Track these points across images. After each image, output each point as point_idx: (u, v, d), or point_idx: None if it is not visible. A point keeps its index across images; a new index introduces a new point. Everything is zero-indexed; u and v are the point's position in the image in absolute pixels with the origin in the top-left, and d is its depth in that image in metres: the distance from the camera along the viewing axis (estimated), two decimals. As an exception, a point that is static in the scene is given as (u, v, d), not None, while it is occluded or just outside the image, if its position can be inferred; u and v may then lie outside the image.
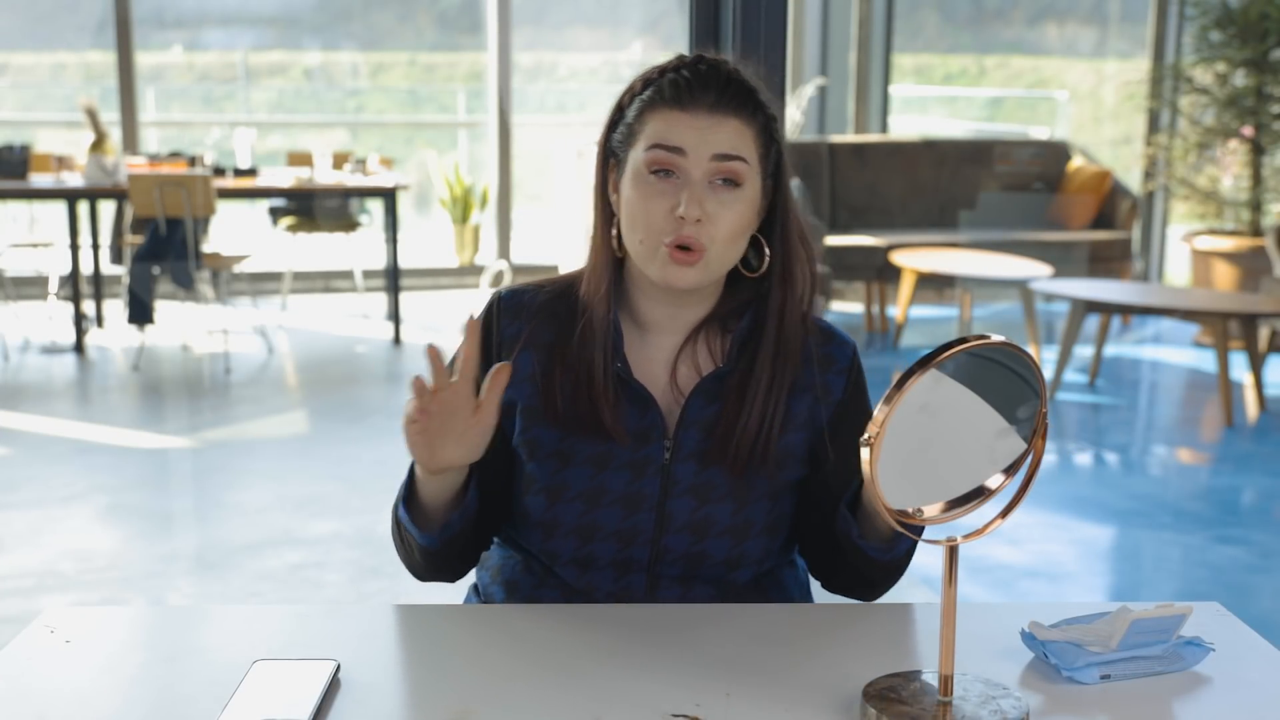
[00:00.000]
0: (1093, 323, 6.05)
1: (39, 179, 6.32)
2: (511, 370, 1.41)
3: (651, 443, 1.45)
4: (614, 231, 1.45)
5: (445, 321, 7.14)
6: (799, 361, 1.47)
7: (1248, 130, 7.00)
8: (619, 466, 1.44)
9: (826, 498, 1.47)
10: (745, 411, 1.44)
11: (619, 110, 1.45)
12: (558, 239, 8.14)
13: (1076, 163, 7.61)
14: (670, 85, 1.41)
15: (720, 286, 1.48)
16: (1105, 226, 7.33)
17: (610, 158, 1.46)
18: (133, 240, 6.15)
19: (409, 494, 1.42)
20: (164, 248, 5.92)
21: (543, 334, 1.47)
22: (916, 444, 1.09)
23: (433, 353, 1.30)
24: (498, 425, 1.40)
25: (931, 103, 10.87)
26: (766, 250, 1.45)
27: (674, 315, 1.47)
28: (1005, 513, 1.18)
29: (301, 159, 7.05)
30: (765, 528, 1.47)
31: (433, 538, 1.41)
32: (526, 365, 1.47)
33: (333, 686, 1.19)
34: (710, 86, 1.40)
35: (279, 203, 7.13)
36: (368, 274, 7.56)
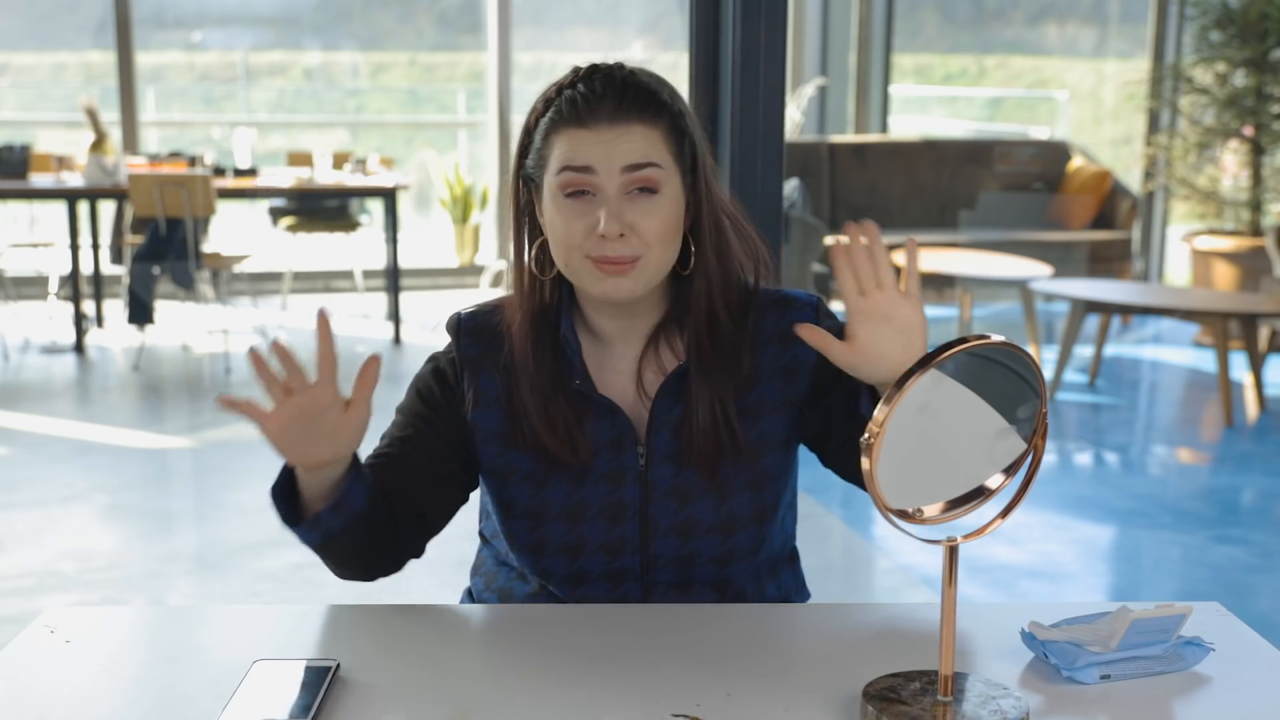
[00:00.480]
0: (1093, 323, 6.05)
1: (39, 179, 6.32)
2: (478, 394, 1.44)
3: (625, 451, 1.44)
4: (534, 253, 1.44)
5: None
6: (754, 345, 1.45)
7: (1248, 130, 7.00)
8: (596, 479, 1.43)
9: (844, 431, 1.44)
10: (695, 408, 1.43)
11: (527, 134, 1.43)
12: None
13: (1076, 163, 7.61)
14: (568, 103, 1.38)
15: (668, 288, 1.46)
16: (1105, 226, 7.33)
17: (528, 183, 1.44)
18: (133, 240, 6.15)
19: (288, 487, 1.38)
20: (164, 248, 5.92)
21: (500, 355, 1.46)
22: (916, 444, 1.09)
23: (255, 357, 1.26)
24: (456, 447, 1.43)
25: (931, 103, 10.87)
26: (692, 247, 1.43)
27: (629, 325, 1.46)
28: (1005, 513, 1.18)
29: (301, 159, 7.05)
30: (752, 517, 1.46)
31: (312, 535, 1.36)
32: (491, 388, 1.45)
33: (333, 686, 1.19)
34: (606, 97, 1.37)
35: (279, 203, 7.13)
36: (368, 274, 7.57)
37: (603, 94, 1.38)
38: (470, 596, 1.56)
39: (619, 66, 1.41)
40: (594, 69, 1.41)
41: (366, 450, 1.41)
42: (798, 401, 1.47)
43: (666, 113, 1.40)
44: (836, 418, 1.45)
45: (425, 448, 1.46)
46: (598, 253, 1.36)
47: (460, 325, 1.49)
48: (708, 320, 1.44)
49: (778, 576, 1.53)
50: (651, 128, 1.38)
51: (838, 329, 1.40)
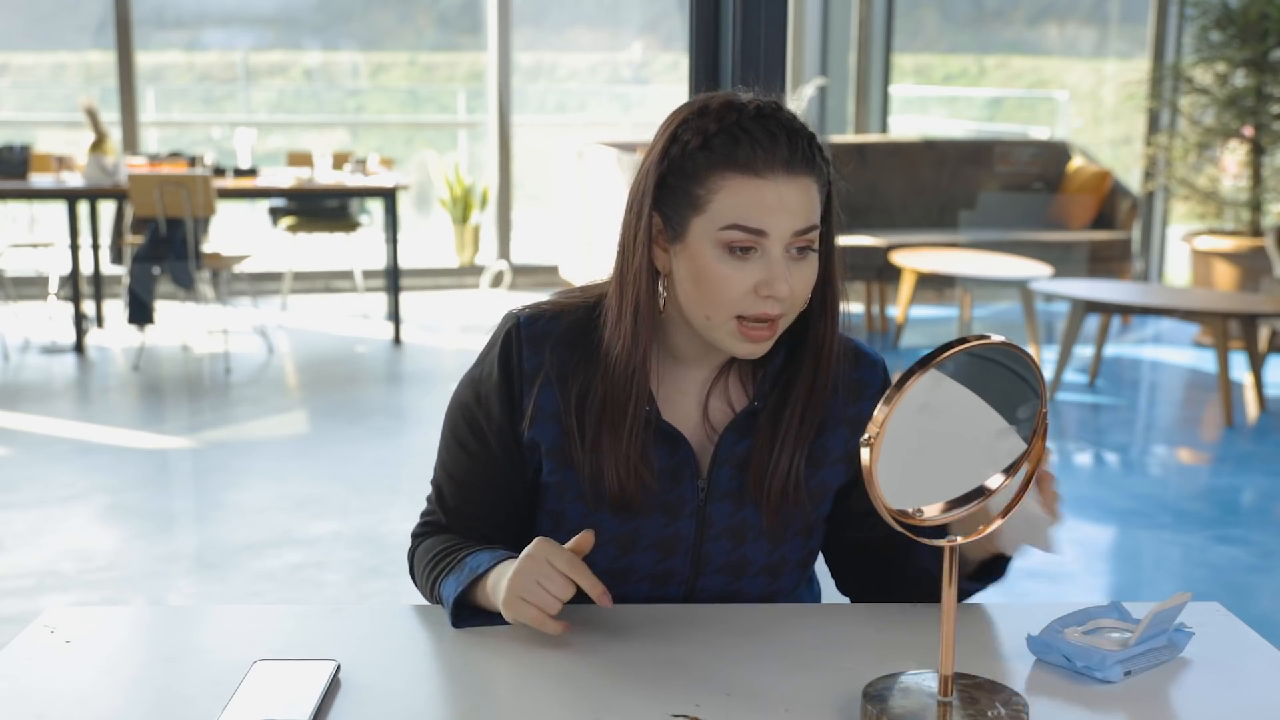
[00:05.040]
0: (1093, 323, 6.05)
1: (39, 179, 6.32)
2: (536, 409, 1.38)
3: (683, 483, 1.40)
4: (646, 286, 1.35)
5: (445, 322, 7.14)
6: (830, 394, 1.41)
7: (1248, 130, 7.00)
8: (653, 510, 1.39)
9: (868, 516, 1.41)
10: (778, 449, 1.38)
11: (664, 160, 1.32)
12: (558, 239, 8.13)
13: (1076, 163, 7.61)
14: (739, 146, 1.28)
15: None
16: (1105, 226, 7.33)
17: (657, 213, 1.33)
18: (133, 240, 6.15)
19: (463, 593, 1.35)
20: (164, 248, 5.92)
21: (564, 367, 1.39)
22: (916, 444, 1.09)
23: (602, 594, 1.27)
24: (520, 460, 1.40)
25: (931, 103, 10.87)
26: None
27: (709, 350, 1.39)
28: (1005, 512, 1.18)
29: (301, 159, 7.05)
30: (800, 562, 1.46)
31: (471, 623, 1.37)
32: (550, 403, 1.39)
33: (333, 686, 1.19)
34: (779, 143, 1.28)
35: (279, 203, 7.13)
36: (368, 274, 7.56)
37: (775, 138, 1.28)
38: None
39: (779, 106, 1.33)
40: (759, 106, 1.31)
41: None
42: (855, 456, 1.43)
43: (824, 163, 1.32)
44: (854, 515, 1.46)
45: (499, 487, 1.44)
46: (753, 311, 1.30)
47: (520, 333, 1.40)
48: (817, 358, 1.39)
49: (799, 601, 1.53)
50: (815, 182, 1.31)
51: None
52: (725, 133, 1.29)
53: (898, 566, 1.46)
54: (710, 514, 1.40)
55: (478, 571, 1.33)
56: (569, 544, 1.29)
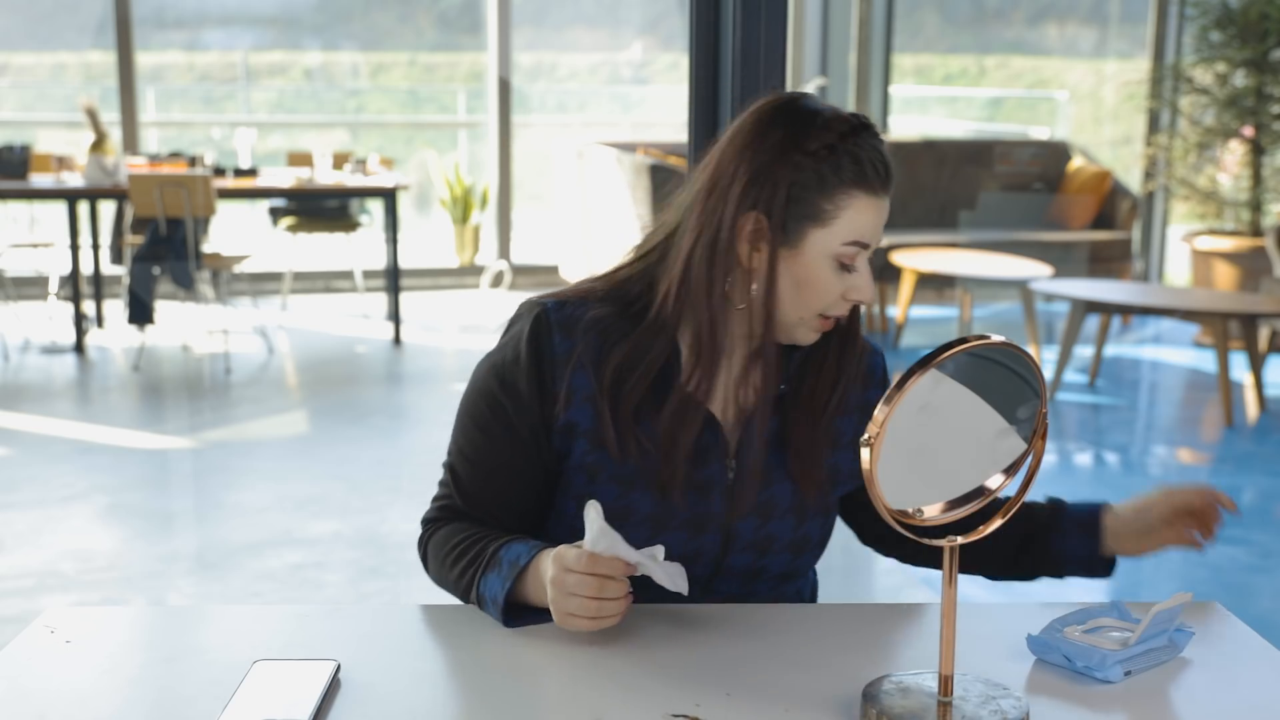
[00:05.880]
0: (1093, 323, 6.05)
1: (39, 179, 6.32)
2: (570, 391, 1.39)
3: (713, 462, 1.42)
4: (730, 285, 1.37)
5: (445, 322, 7.14)
6: (849, 379, 1.46)
7: (1248, 130, 7.00)
8: (685, 488, 1.41)
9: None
10: (819, 428, 1.43)
11: (789, 167, 1.33)
12: (558, 239, 8.13)
13: (1076, 163, 7.61)
14: (867, 166, 1.33)
15: None
16: (1105, 226, 7.33)
17: (760, 214, 1.34)
18: (133, 240, 6.15)
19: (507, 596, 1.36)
20: (164, 248, 5.92)
21: (597, 350, 1.41)
22: (916, 444, 1.09)
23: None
24: (545, 445, 1.41)
25: (931, 103, 10.87)
26: None
27: (745, 338, 1.42)
28: (1005, 512, 1.18)
29: (302, 159, 7.05)
30: (819, 541, 1.49)
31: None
32: (584, 385, 1.40)
33: (333, 686, 1.19)
34: (888, 165, 1.36)
35: (279, 203, 7.13)
36: (368, 274, 7.56)
37: (886, 162, 1.35)
38: None
39: (871, 122, 1.39)
40: (867, 126, 1.36)
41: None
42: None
43: None
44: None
45: (521, 474, 1.44)
46: (835, 312, 1.38)
47: (549, 318, 1.41)
48: (845, 343, 1.45)
49: (800, 593, 1.55)
50: None
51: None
52: (849, 151, 1.33)
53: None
54: (739, 493, 1.42)
55: (519, 565, 1.33)
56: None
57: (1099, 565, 1.57)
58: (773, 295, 1.36)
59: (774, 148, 1.34)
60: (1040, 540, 1.54)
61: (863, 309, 1.45)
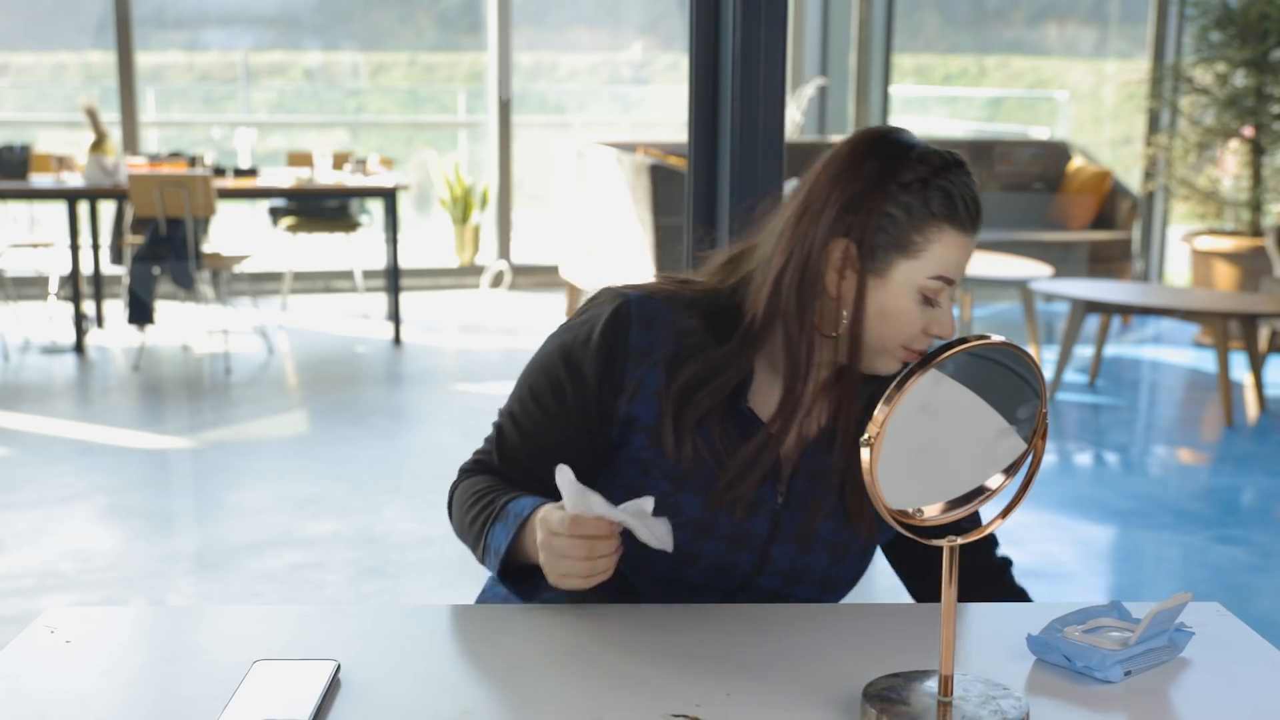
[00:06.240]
0: (1093, 323, 6.05)
1: (39, 179, 6.32)
2: (639, 385, 1.40)
3: (765, 484, 1.42)
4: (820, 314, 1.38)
5: (445, 322, 7.14)
6: None
7: (1248, 130, 7.00)
8: (731, 502, 1.41)
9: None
10: (853, 466, 1.41)
11: (882, 196, 1.35)
12: (558, 239, 8.13)
13: (1076, 163, 7.61)
14: (957, 203, 1.35)
15: None
16: (1105, 226, 7.33)
17: (851, 241, 1.36)
18: (133, 240, 6.15)
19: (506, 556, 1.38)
20: (164, 248, 5.92)
21: (676, 350, 1.41)
22: (916, 444, 1.09)
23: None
24: (596, 431, 1.42)
25: (931, 103, 10.87)
26: None
27: (819, 364, 1.42)
28: (1005, 513, 1.18)
29: (302, 159, 7.05)
30: (849, 581, 1.49)
31: (522, 597, 1.39)
32: (654, 382, 1.41)
33: (333, 686, 1.19)
34: (979, 202, 1.37)
35: (279, 203, 7.13)
36: (368, 274, 7.56)
37: (977, 200, 1.37)
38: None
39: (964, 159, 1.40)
40: (960, 163, 1.37)
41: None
42: None
43: None
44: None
45: (563, 453, 1.43)
46: (916, 346, 1.38)
47: (632, 310, 1.42)
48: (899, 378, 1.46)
49: None
50: None
51: None
52: (940, 186, 1.35)
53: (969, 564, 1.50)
54: (784, 517, 1.43)
55: (523, 516, 1.35)
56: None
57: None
58: (860, 322, 1.37)
59: (868, 177, 1.36)
60: (984, 592, 1.55)
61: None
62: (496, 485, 1.45)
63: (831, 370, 1.41)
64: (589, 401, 1.42)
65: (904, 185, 1.34)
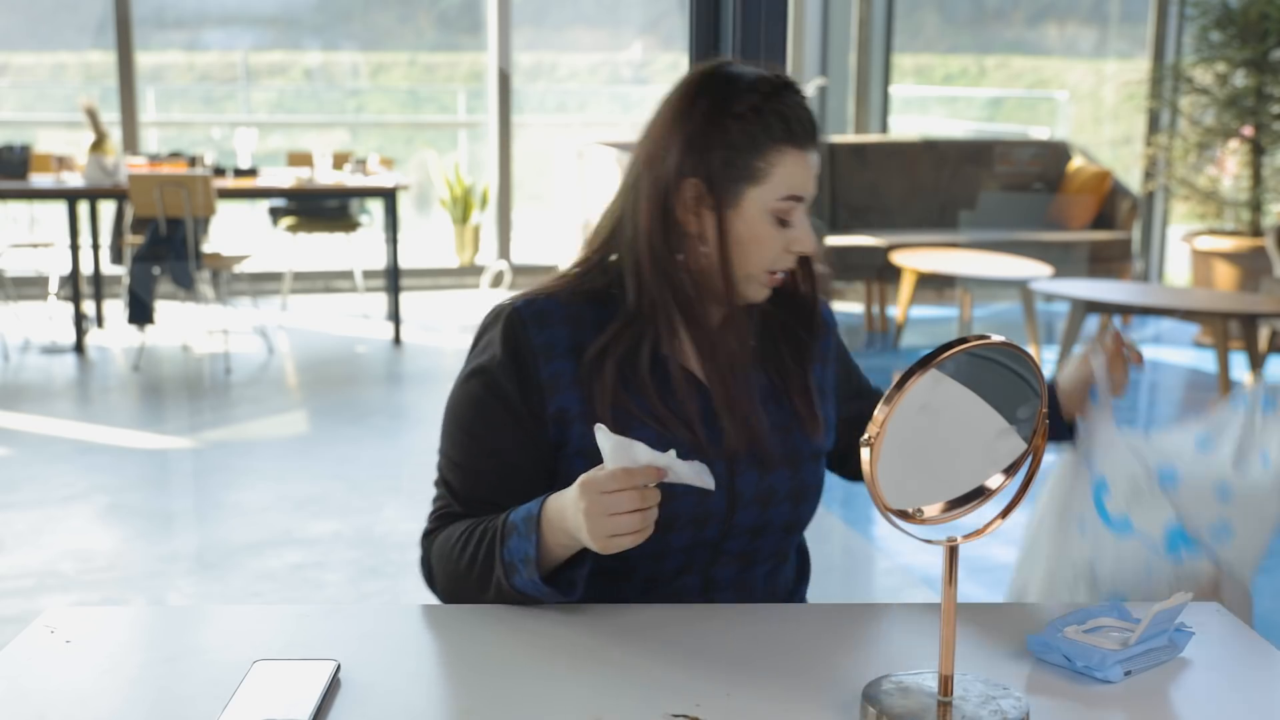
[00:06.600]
0: (1093, 323, 6.05)
1: (39, 179, 6.32)
2: (554, 380, 1.42)
3: (706, 426, 1.45)
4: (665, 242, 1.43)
5: (445, 322, 7.14)
6: (818, 330, 1.54)
7: (1248, 130, 7.00)
8: (686, 454, 1.40)
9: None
10: (800, 378, 1.50)
11: (719, 131, 1.39)
12: (558, 239, 8.13)
13: (1076, 163, 7.61)
14: (789, 121, 1.39)
15: None
16: (1105, 226, 7.33)
17: (698, 179, 1.40)
18: (133, 240, 6.15)
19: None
20: (164, 248, 5.92)
21: (575, 338, 1.44)
22: (916, 444, 1.09)
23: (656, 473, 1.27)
24: (541, 438, 1.42)
25: (931, 103, 10.87)
26: None
27: (707, 301, 1.46)
28: (1005, 513, 1.18)
29: (302, 159, 7.05)
30: (815, 489, 1.52)
31: (573, 593, 1.37)
32: (566, 370, 1.43)
33: (333, 686, 1.19)
34: (811, 120, 1.42)
35: (279, 203, 7.13)
36: (368, 274, 7.56)
37: (809, 115, 1.42)
38: None
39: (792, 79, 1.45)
40: (788, 83, 1.42)
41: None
42: (831, 388, 1.58)
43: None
44: (851, 423, 1.58)
45: (518, 470, 1.44)
46: (780, 267, 1.43)
47: (522, 315, 1.44)
48: (797, 297, 1.52)
49: (786, 575, 1.56)
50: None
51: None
52: (774, 110, 1.39)
53: None
54: (732, 445, 1.46)
55: (533, 515, 1.34)
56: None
57: (1062, 431, 1.75)
58: (725, 256, 1.41)
59: (704, 114, 1.40)
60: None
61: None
62: (477, 521, 1.42)
63: (721, 305, 1.45)
64: (518, 411, 1.43)
65: (738, 116, 1.39)
